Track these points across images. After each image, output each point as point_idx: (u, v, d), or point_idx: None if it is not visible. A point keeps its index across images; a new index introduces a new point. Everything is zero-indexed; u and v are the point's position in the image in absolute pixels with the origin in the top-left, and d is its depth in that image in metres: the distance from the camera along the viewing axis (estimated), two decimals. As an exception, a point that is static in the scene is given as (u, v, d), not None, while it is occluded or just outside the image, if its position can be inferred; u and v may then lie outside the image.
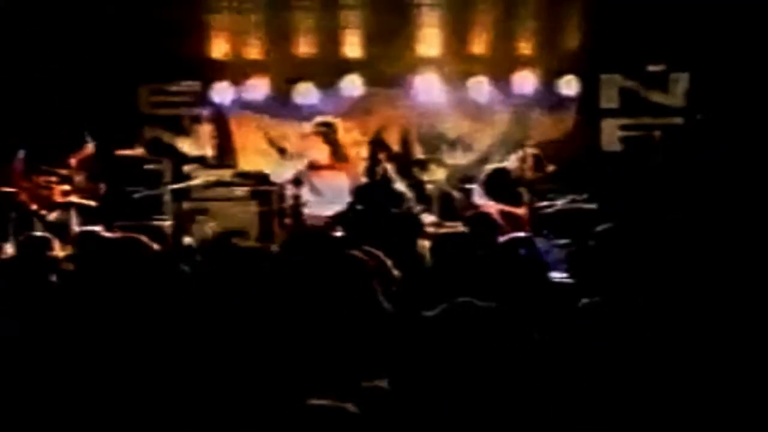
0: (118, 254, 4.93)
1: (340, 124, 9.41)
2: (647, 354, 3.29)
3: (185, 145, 10.29)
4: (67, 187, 8.58)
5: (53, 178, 8.52)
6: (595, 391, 3.16)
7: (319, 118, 9.38)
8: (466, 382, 2.91)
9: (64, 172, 8.62)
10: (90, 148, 8.83)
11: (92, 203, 8.71)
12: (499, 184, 8.89)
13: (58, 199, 8.51)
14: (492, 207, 8.63)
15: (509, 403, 2.90)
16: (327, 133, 9.32)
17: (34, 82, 9.81)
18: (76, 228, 8.12)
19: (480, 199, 8.98)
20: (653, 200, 8.65)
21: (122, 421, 3.34)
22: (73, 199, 8.59)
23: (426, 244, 5.64)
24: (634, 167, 9.80)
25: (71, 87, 9.90)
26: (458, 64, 10.39)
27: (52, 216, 8.39)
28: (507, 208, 8.69)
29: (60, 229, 7.59)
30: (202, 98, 10.53)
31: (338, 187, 8.96)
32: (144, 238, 4.73)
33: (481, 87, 10.40)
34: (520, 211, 8.71)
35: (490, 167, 9.38)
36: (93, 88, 9.97)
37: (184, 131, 10.53)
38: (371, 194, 7.03)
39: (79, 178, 8.70)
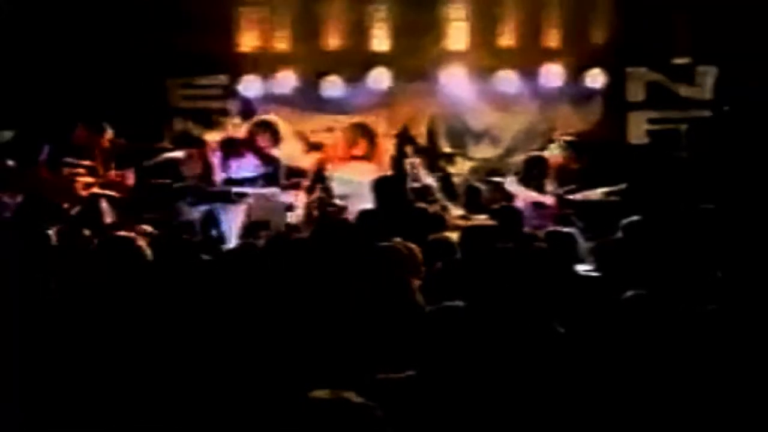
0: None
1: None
2: (673, 349, 3.31)
3: (214, 139, 10.31)
4: (90, 180, 8.50)
5: (79, 170, 8.44)
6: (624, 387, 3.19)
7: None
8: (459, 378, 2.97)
9: (88, 163, 8.53)
10: (109, 135, 8.72)
11: (115, 194, 8.59)
12: (536, 173, 8.84)
13: (82, 192, 8.42)
14: (524, 197, 8.60)
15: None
16: (363, 129, 9.41)
17: (63, 76, 9.91)
18: (108, 220, 8.13)
19: (512, 187, 8.89)
20: (680, 193, 8.62)
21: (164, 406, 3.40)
22: (96, 190, 8.51)
23: (454, 236, 5.68)
24: (661, 160, 9.77)
25: (101, 81, 10.00)
26: (485, 58, 10.39)
27: (75, 210, 8.31)
28: (539, 198, 8.65)
29: (84, 223, 7.54)
30: (230, 92, 10.60)
31: (364, 181, 9.00)
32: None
33: (508, 80, 10.41)
34: (551, 201, 8.68)
35: (528, 155, 9.32)
36: (123, 81, 10.08)
37: (213, 125, 10.58)
38: (392, 187, 7.05)
39: (105, 169, 8.62)
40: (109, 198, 8.49)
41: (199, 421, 3.36)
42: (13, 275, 4.37)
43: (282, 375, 3.40)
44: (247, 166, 9.07)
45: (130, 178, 8.69)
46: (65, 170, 8.34)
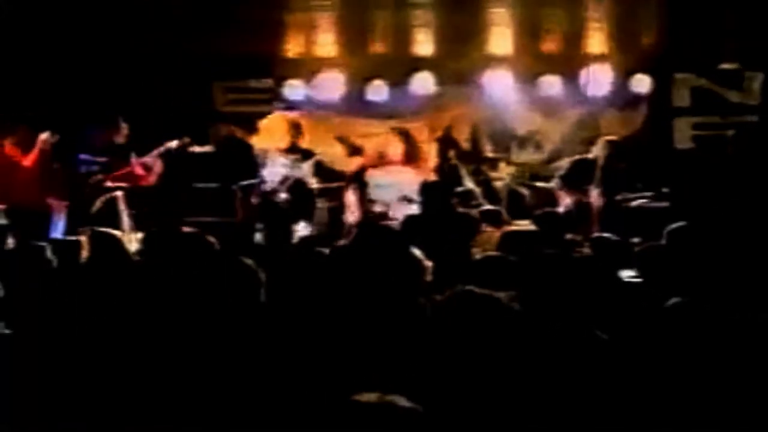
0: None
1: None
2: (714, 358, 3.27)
3: (258, 142, 10.38)
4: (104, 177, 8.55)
5: (94, 168, 8.52)
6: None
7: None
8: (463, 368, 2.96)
9: (103, 160, 8.58)
10: (124, 130, 8.74)
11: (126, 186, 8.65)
12: (582, 175, 8.75)
13: (94, 189, 8.49)
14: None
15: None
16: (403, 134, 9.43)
17: (109, 80, 10.03)
18: (125, 220, 8.18)
19: (562, 190, 8.77)
20: (727, 199, 8.52)
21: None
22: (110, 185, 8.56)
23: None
24: (707, 165, 9.67)
25: (146, 84, 10.11)
26: (529, 62, 10.37)
27: (95, 208, 8.37)
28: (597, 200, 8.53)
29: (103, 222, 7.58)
30: (275, 95, 10.66)
31: (406, 185, 9.01)
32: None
33: (552, 85, 10.37)
34: (597, 204, 8.59)
35: (575, 157, 9.25)
36: (169, 83, 10.18)
37: (258, 128, 10.66)
38: (438, 192, 7.05)
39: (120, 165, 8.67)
40: (127, 196, 8.50)
41: (248, 424, 3.38)
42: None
43: (329, 379, 3.41)
44: None
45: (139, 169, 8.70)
46: (83, 169, 8.43)
